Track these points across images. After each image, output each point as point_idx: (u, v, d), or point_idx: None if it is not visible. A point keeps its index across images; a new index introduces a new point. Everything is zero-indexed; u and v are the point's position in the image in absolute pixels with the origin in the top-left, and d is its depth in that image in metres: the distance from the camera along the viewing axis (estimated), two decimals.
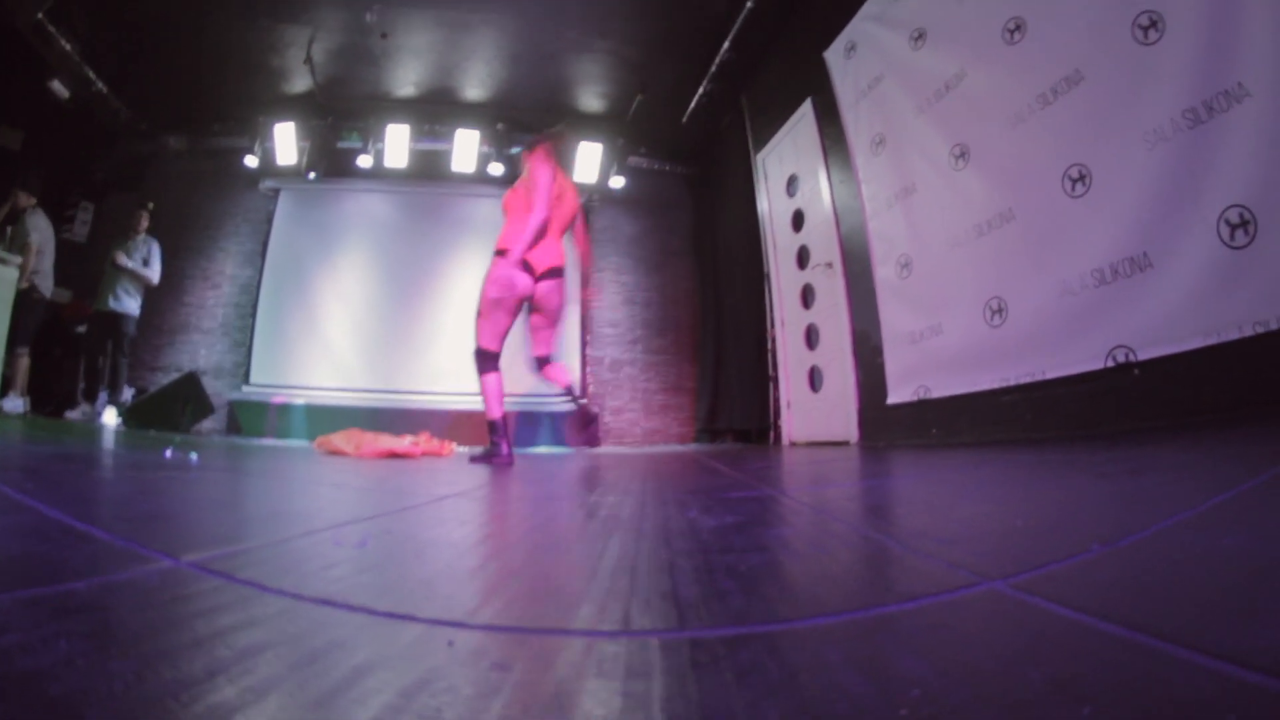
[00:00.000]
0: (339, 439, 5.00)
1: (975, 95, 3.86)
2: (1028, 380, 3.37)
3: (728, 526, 1.44)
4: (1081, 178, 3.07)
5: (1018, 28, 3.53)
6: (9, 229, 6.29)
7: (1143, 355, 2.74)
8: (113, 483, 2.27)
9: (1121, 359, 2.82)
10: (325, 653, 0.67)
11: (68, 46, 6.66)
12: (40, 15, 6.17)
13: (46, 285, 6.53)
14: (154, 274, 7.18)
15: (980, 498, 1.81)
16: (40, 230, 6.56)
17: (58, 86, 7.17)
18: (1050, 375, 3.24)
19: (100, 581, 0.88)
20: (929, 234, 4.21)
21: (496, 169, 8.38)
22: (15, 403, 6.27)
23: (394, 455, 4.77)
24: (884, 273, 4.67)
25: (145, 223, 7.23)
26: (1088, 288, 3.01)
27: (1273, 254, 2.26)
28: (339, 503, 2.12)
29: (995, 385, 3.59)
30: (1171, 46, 2.65)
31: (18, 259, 5.98)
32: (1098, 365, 2.94)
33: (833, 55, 5.43)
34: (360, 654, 0.66)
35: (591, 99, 8.17)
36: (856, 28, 5.15)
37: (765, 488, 2.34)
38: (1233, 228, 2.38)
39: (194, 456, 3.24)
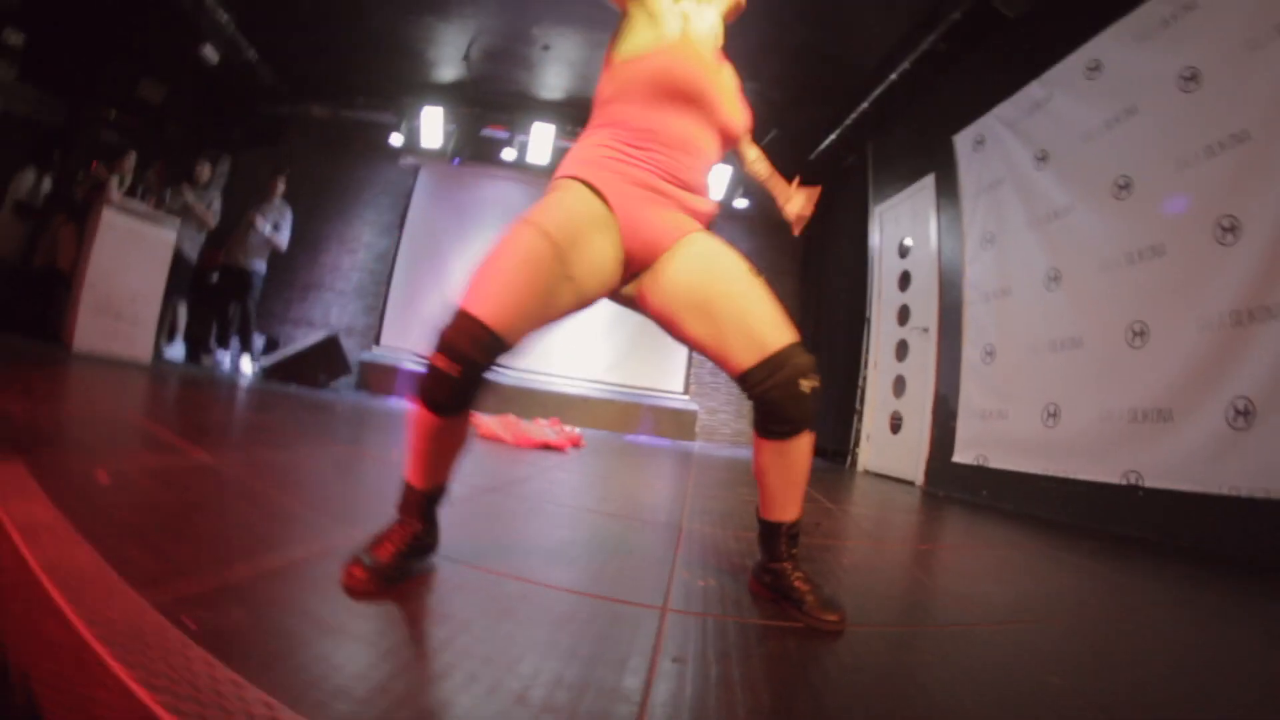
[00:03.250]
0: (496, 424, 5.20)
1: (1078, 231, 4.52)
2: (1062, 475, 4.27)
3: None
4: (1141, 333, 3.90)
5: (1125, 185, 4.16)
6: (184, 188, 7.06)
7: (1149, 483, 3.64)
8: None
9: (1132, 481, 3.73)
10: None
11: (224, 18, 7.07)
12: None
13: (193, 249, 7.36)
14: (283, 240, 7.89)
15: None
16: (216, 206, 7.47)
17: (209, 51, 7.49)
18: (1079, 476, 4.13)
19: None
20: (1014, 334, 5.00)
21: None
22: (178, 347, 7.24)
23: (548, 447, 5.00)
24: (971, 353, 5.48)
25: (281, 188, 7.95)
26: (1123, 420, 3.89)
27: (1262, 444, 3.15)
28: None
29: (1038, 471, 4.47)
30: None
31: (175, 221, 6.51)
32: (1114, 480, 3.85)
33: (961, 142, 6.01)
34: None
35: None
36: (988, 124, 5.67)
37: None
38: (1238, 413, 3.26)
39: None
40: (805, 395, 1.58)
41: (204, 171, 7.49)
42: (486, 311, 1.43)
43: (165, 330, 6.93)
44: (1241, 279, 3.34)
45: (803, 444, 1.63)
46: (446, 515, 1.68)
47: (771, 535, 1.72)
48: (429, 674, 1.03)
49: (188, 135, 8.35)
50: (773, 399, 1.58)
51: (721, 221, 8.95)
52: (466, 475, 3.21)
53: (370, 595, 1.33)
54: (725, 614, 1.55)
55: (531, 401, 7.99)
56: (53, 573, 1.06)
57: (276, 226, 7.81)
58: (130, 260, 5.81)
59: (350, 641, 1.11)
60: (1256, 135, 3.35)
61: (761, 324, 1.61)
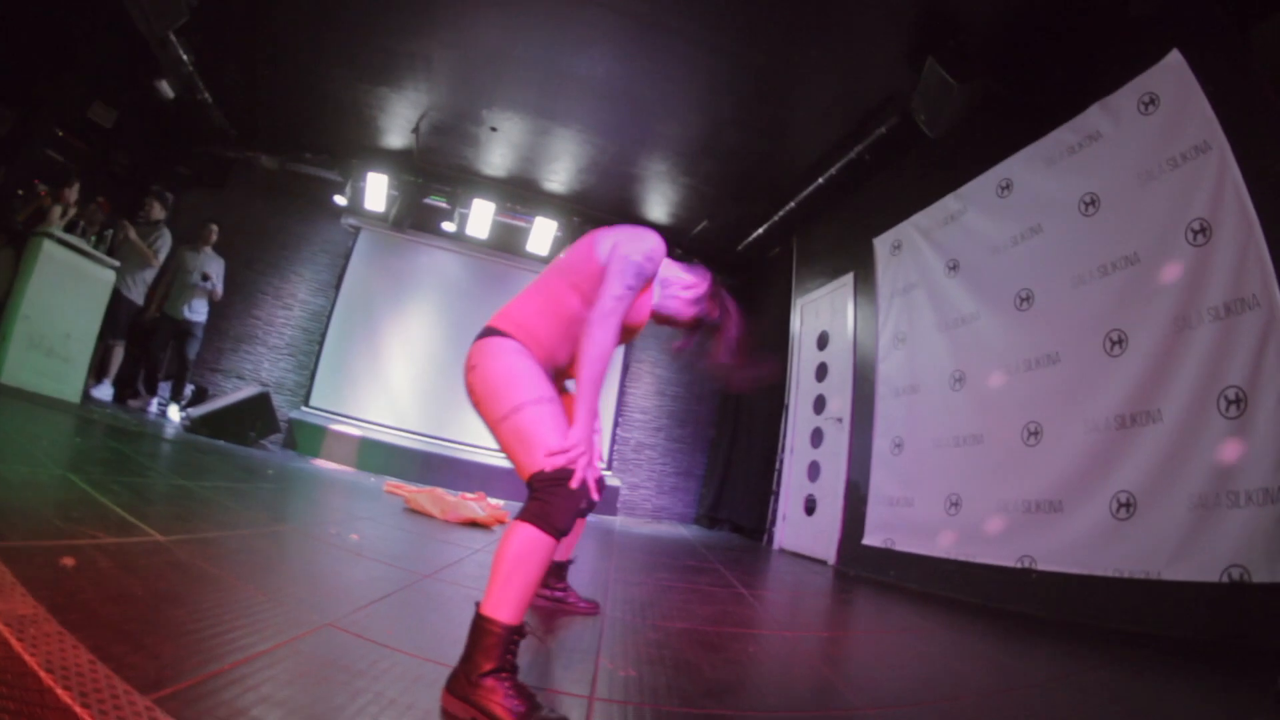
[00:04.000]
0: (425, 500, 5.17)
1: (982, 337, 4.92)
2: (963, 559, 4.57)
3: None
4: (1036, 432, 4.27)
5: (1027, 298, 4.57)
6: (126, 224, 6.97)
7: (1041, 567, 3.96)
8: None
9: (1026, 564, 4.05)
10: None
11: (185, 56, 6.97)
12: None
13: (140, 293, 7.29)
14: (220, 290, 7.94)
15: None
16: (167, 248, 7.41)
17: (164, 86, 7.47)
18: (978, 560, 4.44)
19: None
20: (921, 429, 5.35)
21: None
22: (106, 390, 7.04)
23: (475, 524, 5.01)
24: (881, 444, 5.81)
25: (214, 238, 7.97)
26: (1018, 510, 4.23)
27: (1141, 532, 3.52)
28: None
29: (941, 555, 4.77)
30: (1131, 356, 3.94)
31: (115, 263, 6.39)
32: (1010, 564, 4.16)
33: (880, 245, 6.47)
34: None
35: (659, 213, 9.20)
36: (905, 230, 6.12)
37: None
38: (1121, 505, 3.62)
39: (355, 538, 3.44)
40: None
41: (154, 209, 7.43)
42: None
43: (93, 370, 6.74)
44: (1126, 386, 3.75)
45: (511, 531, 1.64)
46: (395, 604, 1.85)
47: (474, 631, 1.57)
48: None
49: (134, 165, 8.21)
50: None
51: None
52: (405, 558, 3.32)
53: None
54: (645, 702, 1.74)
55: (458, 472, 7.99)
56: (54, 673, 1.14)
57: (211, 277, 7.80)
58: (67, 297, 5.67)
59: None
60: (1145, 258, 3.81)
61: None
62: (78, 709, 1.04)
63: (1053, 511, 4.02)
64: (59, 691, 1.07)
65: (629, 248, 1.99)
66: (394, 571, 2.89)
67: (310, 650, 1.66)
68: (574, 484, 1.65)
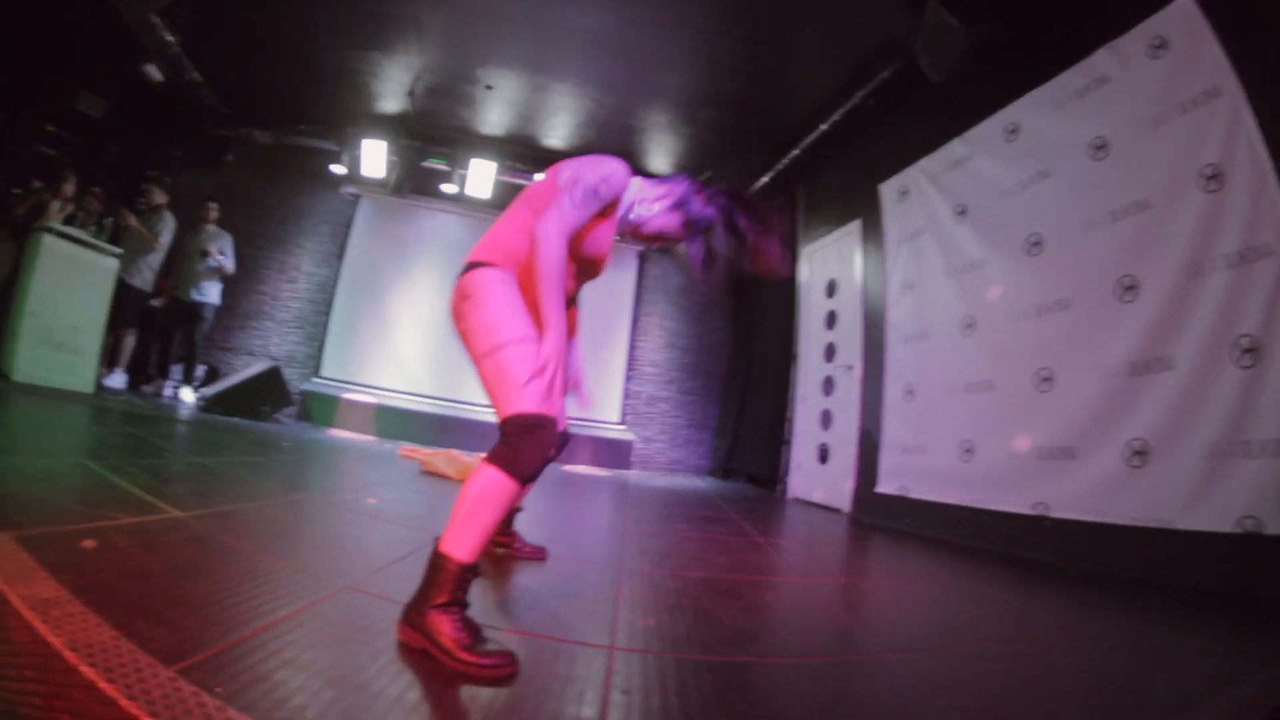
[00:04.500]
0: (441, 461, 5.22)
1: (992, 282, 4.88)
2: (976, 505, 4.62)
3: None
4: (1048, 378, 4.28)
5: (1037, 243, 4.51)
6: (123, 210, 6.93)
7: (1055, 514, 4.01)
8: None
9: (1040, 511, 4.10)
10: None
11: (170, 38, 6.93)
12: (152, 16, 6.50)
13: (147, 279, 7.31)
14: (231, 264, 7.89)
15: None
16: (170, 231, 7.40)
17: (152, 70, 7.46)
18: (992, 507, 4.49)
19: None
20: (932, 375, 5.36)
21: None
22: (118, 378, 7.07)
23: None
24: (892, 392, 5.83)
25: (214, 215, 7.93)
26: (1031, 457, 4.26)
27: (1155, 480, 3.53)
28: None
29: (954, 501, 4.82)
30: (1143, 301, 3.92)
31: (118, 251, 6.43)
32: (1024, 510, 4.21)
33: (887, 190, 6.38)
34: None
35: (661, 165, 9.07)
36: (912, 176, 6.03)
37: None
38: (1134, 453, 3.64)
39: (372, 502, 3.53)
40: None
41: (155, 194, 7.41)
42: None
43: (105, 359, 6.76)
44: (1138, 333, 3.73)
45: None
46: (412, 564, 1.94)
47: (431, 566, 1.64)
48: (430, 710, 1.24)
49: (127, 153, 8.18)
50: None
51: (655, 255, 9.16)
52: (421, 519, 3.36)
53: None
54: (665, 650, 1.76)
55: (473, 433, 8.06)
56: (79, 652, 1.17)
57: (222, 252, 7.76)
58: (72, 290, 5.69)
59: (355, 690, 1.28)
60: (1156, 204, 3.76)
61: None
62: (102, 685, 1.07)
63: (1066, 458, 4.04)
64: (84, 669, 1.11)
65: (583, 170, 2.07)
66: (412, 533, 2.94)
67: (330, 613, 1.70)
68: (544, 386, 1.75)
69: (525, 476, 1.68)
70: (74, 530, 1.92)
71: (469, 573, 1.62)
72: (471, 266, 2.00)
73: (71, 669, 1.12)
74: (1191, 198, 3.54)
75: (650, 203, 2.22)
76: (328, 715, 1.13)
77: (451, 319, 1.98)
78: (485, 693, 1.32)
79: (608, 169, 2.07)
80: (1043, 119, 4.68)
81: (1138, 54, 3.99)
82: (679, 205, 2.19)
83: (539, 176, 2.17)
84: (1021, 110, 4.88)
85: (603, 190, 2.04)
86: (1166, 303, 3.60)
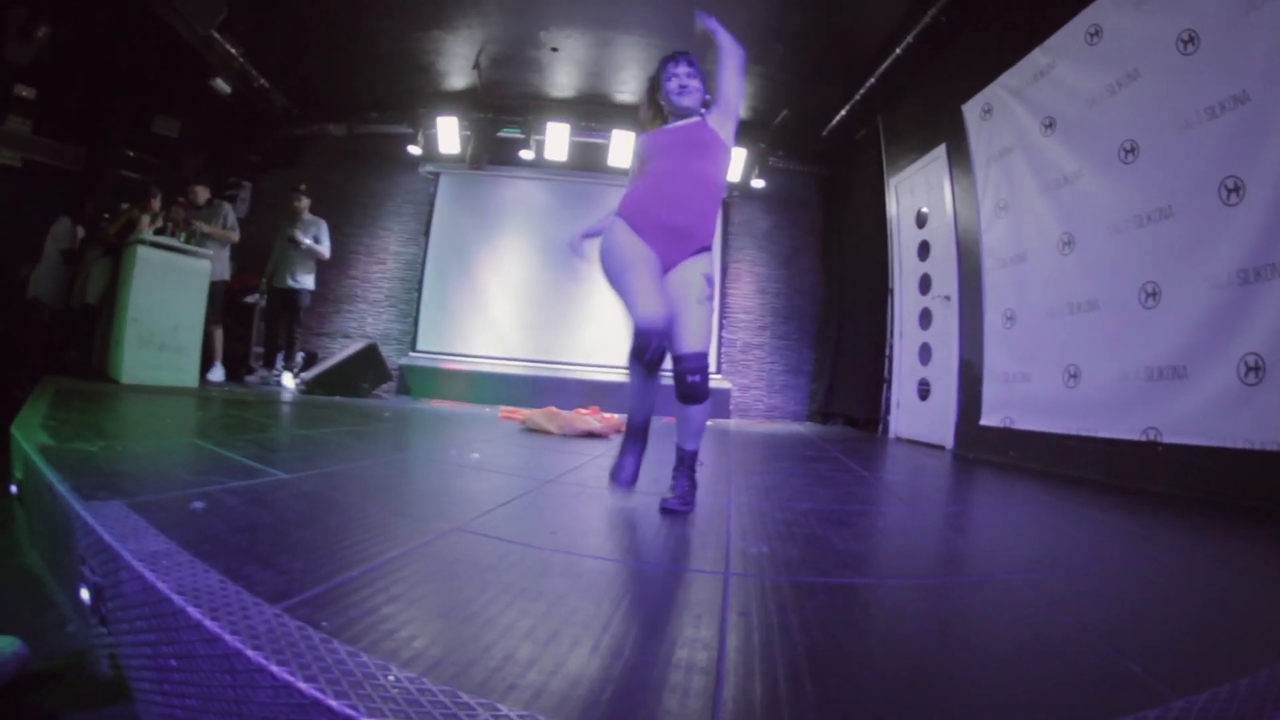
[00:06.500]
0: (541, 418, 5.38)
1: (1088, 195, 4.62)
2: (1085, 434, 4.44)
3: None
4: (1154, 294, 4.04)
5: (1132, 149, 4.24)
6: (195, 223, 6.99)
7: (1167, 439, 3.82)
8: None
9: (1152, 437, 3.91)
10: None
11: (233, 50, 7.23)
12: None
13: (225, 269, 7.45)
14: (326, 250, 7.99)
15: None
16: (231, 217, 7.51)
17: (220, 84, 7.78)
18: (1100, 434, 4.31)
19: None
20: (1032, 299, 5.15)
21: None
22: (218, 372, 7.38)
23: (592, 435, 5.22)
24: (992, 318, 5.63)
25: (306, 203, 8.01)
26: (1140, 379, 4.05)
27: (1273, 398, 3.31)
28: None
29: (1061, 430, 4.65)
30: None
31: (208, 252, 6.67)
32: (1135, 437, 4.02)
33: (970, 111, 6.10)
34: None
35: (741, 110, 8.98)
36: (994, 93, 5.76)
37: None
38: (1249, 369, 3.41)
39: (476, 456, 3.75)
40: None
41: (200, 193, 7.44)
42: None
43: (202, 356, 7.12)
44: (1248, 238, 3.46)
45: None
46: (520, 507, 2.11)
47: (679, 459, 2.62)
48: (545, 636, 1.23)
49: (206, 166, 8.59)
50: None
51: (741, 201, 9.06)
52: (526, 469, 3.47)
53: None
54: (779, 574, 1.77)
55: (569, 392, 8.23)
56: (185, 595, 1.22)
57: (316, 239, 7.92)
58: (169, 292, 6.07)
59: (464, 621, 1.31)
60: (1256, 96, 3.46)
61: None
62: (207, 624, 1.12)
63: (1177, 378, 3.83)
64: (189, 610, 1.17)
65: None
66: (517, 480, 3.06)
67: (438, 552, 1.75)
68: None
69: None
70: (184, 496, 2.03)
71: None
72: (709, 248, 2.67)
73: (179, 610, 1.18)
74: None
75: (642, 115, 2.94)
76: (436, 644, 1.15)
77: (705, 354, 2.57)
78: (602, 618, 1.35)
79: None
80: (1125, 17, 4.36)
81: None
82: (649, 98, 2.91)
83: (619, 135, 2.51)
84: (1102, 10, 4.57)
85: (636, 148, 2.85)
86: (1276, 203, 3.33)
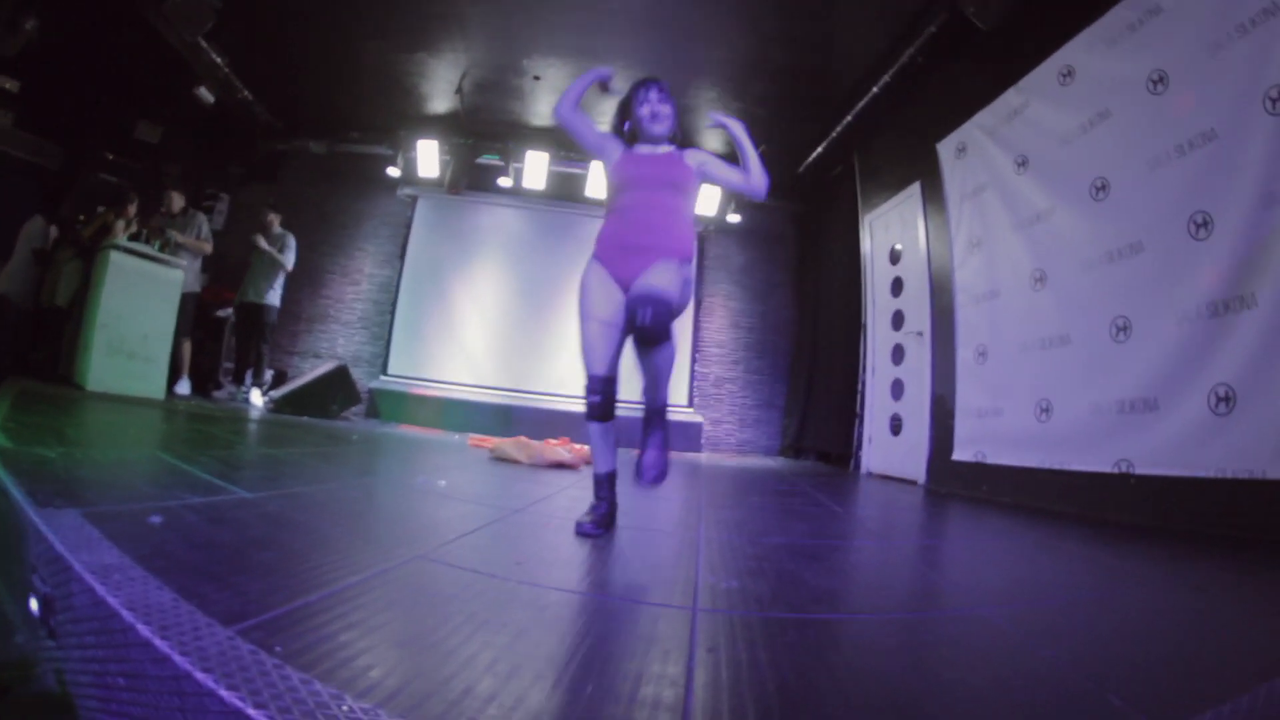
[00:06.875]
0: (510, 447, 5.28)
1: (1060, 232, 4.68)
2: (1058, 467, 4.42)
3: None
4: (1125, 328, 4.07)
5: (1103, 187, 4.32)
6: (168, 232, 6.88)
7: (1139, 470, 3.81)
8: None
9: (1124, 469, 3.90)
10: None
11: (218, 59, 7.19)
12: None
13: (195, 281, 7.28)
14: (289, 260, 7.81)
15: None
16: (206, 226, 7.39)
17: (203, 93, 7.76)
18: (1073, 467, 4.30)
19: None
20: (1004, 335, 5.18)
21: None
22: (185, 386, 7.20)
23: (561, 466, 5.09)
24: (964, 354, 5.65)
25: (276, 218, 7.92)
26: (1111, 412, 4.06)
27: (1243, 428, 3.32)
28: None
29: (1034, 464, 4.63)
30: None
31: (182, 263, 6.60)
32: (1107, 469, 4.01)
33: (944, 150, 6.19)
34: None
35: (715, 143, 8.85)
36: (969, 132, 5.84)
37: None
38: (1219, 400, 3.42)
39: (443, 483, 3.62)
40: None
41: (175, 200, 7.31)
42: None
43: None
44: (1216, 272, 3.50)
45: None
46: (486, 536, 1.99)
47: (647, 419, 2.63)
48: (507, 670, 1.17)
49: (185, 174, 8.50)
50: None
51: (716, 235, 9.08)
52: (493, 498, 3.38)
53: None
54: (749, 610, 1.71)
55: (540, 422, 8.10)
56: (135, 611, 1.16)
57: (280, 249, 7.78)
58: (140, 301, 5.96)
59: (424, 651, 1.25)
60: (1223, 133, 3.53)
61: None
62: (156, 643, 1.06)
63: (1148, 410, 3.84)
64: (139, 628, 1.11)
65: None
66: (484, 509, 2.97)
67: (400, 580, 1.69)
68: None
69: None
70: (142, 509, 1.94)
71: None
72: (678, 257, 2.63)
73: (128, 627, 1.12)
74: (1260, 123, 3.31)
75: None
76: (393, 674, 1.11)
77: (665, 294, 2.39)
78: (566, 652, 1.29)
79: None
80: (1097, 58, 4.47)
81: None
82: (620, 120, 3.08)
83: (599, 166, 2.59)
84: (1074, 51, 4.68)
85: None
86: (1243, 236, 3.37)
